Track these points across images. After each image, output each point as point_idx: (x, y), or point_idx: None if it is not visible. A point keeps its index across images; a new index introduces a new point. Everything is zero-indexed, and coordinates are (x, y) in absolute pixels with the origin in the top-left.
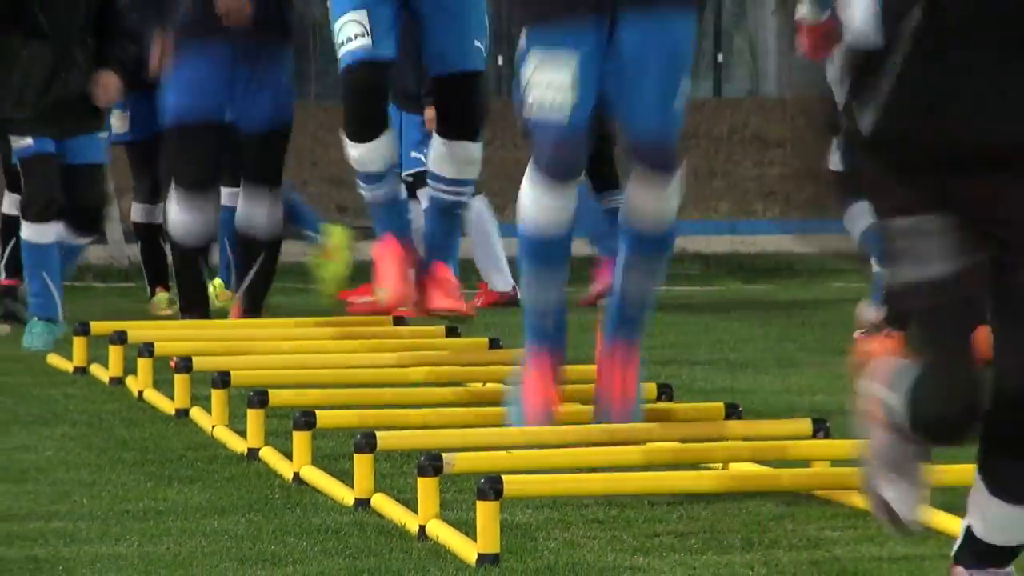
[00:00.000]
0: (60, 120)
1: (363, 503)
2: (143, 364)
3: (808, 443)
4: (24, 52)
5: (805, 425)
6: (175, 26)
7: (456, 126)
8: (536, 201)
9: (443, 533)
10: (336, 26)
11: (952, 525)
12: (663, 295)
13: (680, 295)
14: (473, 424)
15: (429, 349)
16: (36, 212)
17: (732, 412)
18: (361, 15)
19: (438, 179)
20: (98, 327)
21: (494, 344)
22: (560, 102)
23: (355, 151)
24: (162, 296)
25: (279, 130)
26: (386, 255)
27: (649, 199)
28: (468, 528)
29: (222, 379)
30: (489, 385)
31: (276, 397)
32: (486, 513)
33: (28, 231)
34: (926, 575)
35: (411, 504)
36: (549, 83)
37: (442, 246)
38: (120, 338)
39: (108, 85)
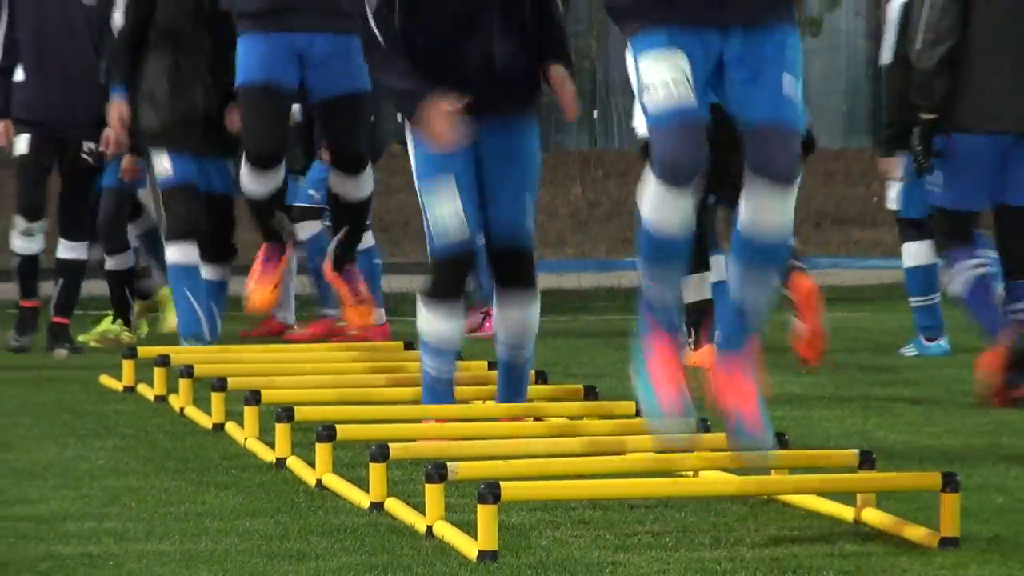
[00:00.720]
0: (188, 135)
1: (377, 506)
2: (184, 384)
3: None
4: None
5: None
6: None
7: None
8: (655, 204)
9: (448, 533)
10: (425, 188)
11: (896, 528)
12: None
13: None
14: (473, 437)
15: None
16: (179, 235)
17: (702, 427)
18: (451, 188)
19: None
20: (144, 351)
21: (492, 367)
22: (681, 92)
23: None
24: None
25: (360, 95)
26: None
27: (769, 209)
28: (470, 528)
29: (253, 397)
30: (489, 402)
31: (301, 413)
32: (486, 515)
33: (172, 253)
34: (871, 569)
35: (419, 507)
36: (665, 80)
37: None
38: (163, 361)
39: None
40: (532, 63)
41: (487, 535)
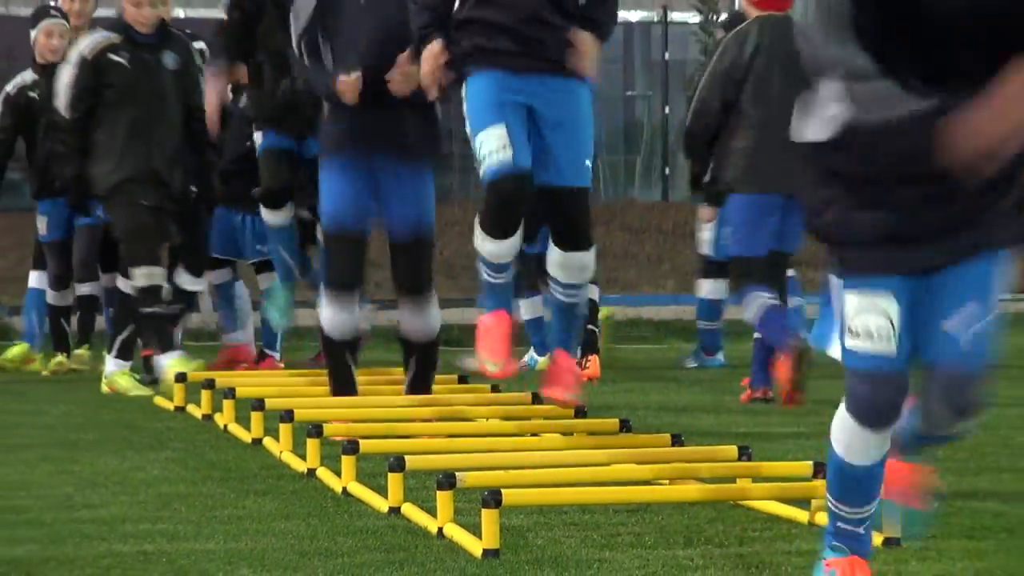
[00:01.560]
0: (288, 118)
1: (395, 510)
2: (227, 404)
3: (734, 464)
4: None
5: (732, 451)
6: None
7: (569, 239)
8: (849, 443)
9: (456, 533)
10: (477, 139)
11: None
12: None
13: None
14: (478, 450)
15: (442, 394)
16: (271, 199)
17: (676, 441)
18: (501, 129)
19: (556, 282)
20: (193, 376)
21: (536, 399)
22: (882, 345)
23: (491, 245)
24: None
25: (424, 239)
26: (497, 328)
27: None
28: (475, 529)
29: (288, 415)
30: (492, 421)
31: (329, 429)
32: (489, 518)
33: (266, 215)
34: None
35: (431, 511)
36: (869, 328)
37: (563, 338)
38: (209, 384)
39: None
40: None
41: (490, 535)
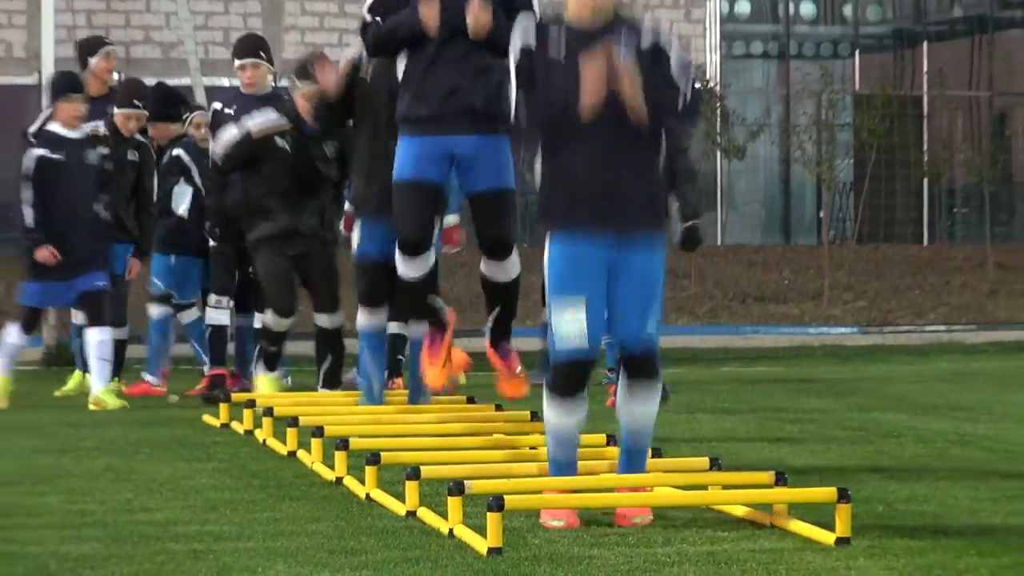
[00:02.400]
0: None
1: (411, 514)
2: (266, 421)
3: (706, 474)
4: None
5: (704, 462)
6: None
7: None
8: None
9: (464, 534)
10: (555, 305)
11: (803, 530)
12: None
13: None
14: (484, 461)
15: (451, 412)
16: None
17: (656, 454)
18: (580, 307)
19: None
20: (236, 397)
21: (535, 417)
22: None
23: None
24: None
25: (506, 194)
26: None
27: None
28: (481, 530)
29: (319, 431)
30: (497, 436)
31: (355, 443)
32: (493, 520)
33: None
34: (783, 561)
35: (443, 514)
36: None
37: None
38: (251, 404)
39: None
40: (662, 193)
41: (494, 535)
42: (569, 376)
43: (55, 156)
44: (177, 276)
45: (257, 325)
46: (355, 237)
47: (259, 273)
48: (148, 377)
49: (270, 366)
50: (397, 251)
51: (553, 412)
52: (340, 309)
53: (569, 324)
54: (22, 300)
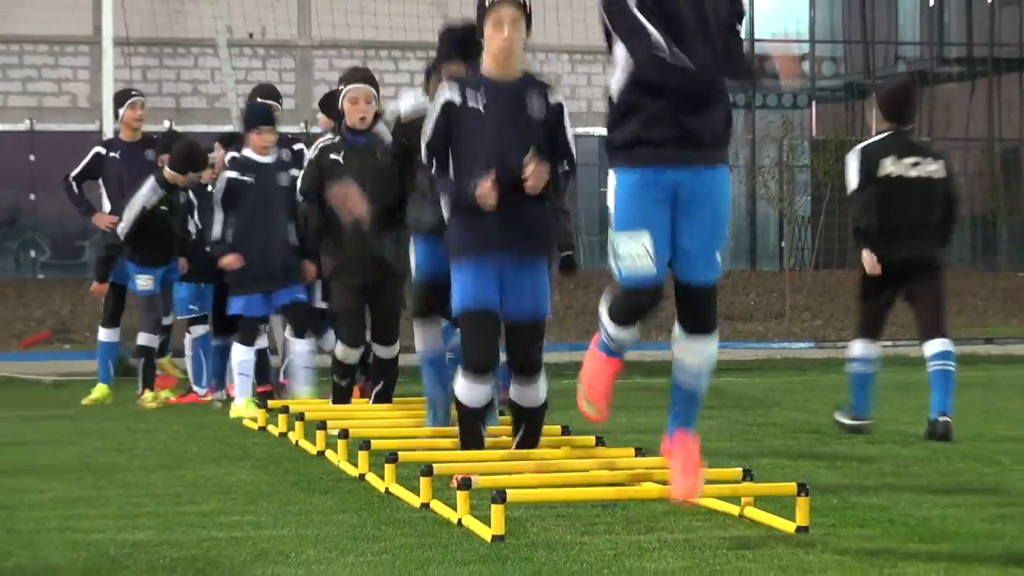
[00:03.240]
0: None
1: (425, 505)
2: (298, 425)
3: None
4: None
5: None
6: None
7: (697, 326)
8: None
9: (471, 523)
10: (618, 237)
11: (767, 520)
12: None
13: None
14: (489, 460)
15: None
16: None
17: (639, 453)
18: (645, 237)
19: (680, 367)
20: (273, 403)
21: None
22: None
23: (615, 330)
24: (148, 395)
25: (539, 324)
26: (604, 371)
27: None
28: (486, 520)
29: (344, 434)
30: (503, 437)
31: (376, 444)
32: (497, 511)
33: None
34: (750, 546)
35: (453, 506)
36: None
37: (685, 419)
38: (284, 410)
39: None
40: (725, 119)
41: (497, 524)
42: (642, 300)
43: (245, 178)
44: (204, 300)
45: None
46: (413, 259)
47: (334, 306)
48: (196, 388)
49: (342, 400)
50: (461, 376)
51: (618, 331)
52: (398, 341)
53: (634, 247)
54: (231, 311)
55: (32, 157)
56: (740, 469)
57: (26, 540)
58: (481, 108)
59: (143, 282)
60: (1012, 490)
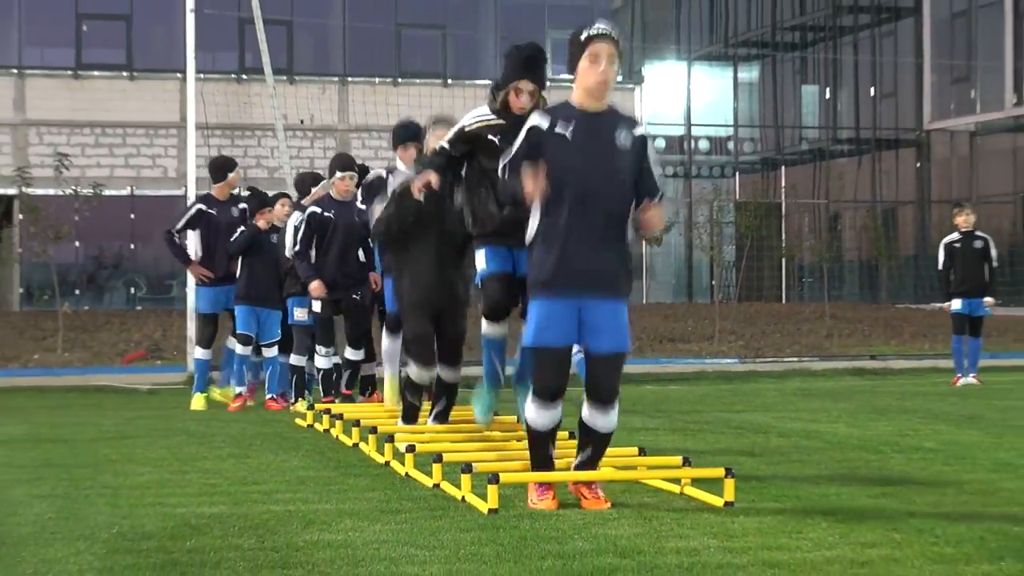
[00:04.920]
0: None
1: (436, 486)
2: (338, 424)
3: (635, 458)
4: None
5: (634, 450)
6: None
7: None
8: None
9: (472, 499)
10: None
11: (701, 496)
12: None
13: None
14: (487, 449)
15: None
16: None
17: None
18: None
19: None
20: (319, 406)
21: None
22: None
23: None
24: (301, 404)
25: (620, 358)
26: None
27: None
28: (484, 497)
29: (373, 430)
30: (494, 432)
31: (399, 438)
32: (492, 490)
33: (486, 327)
34: (688, 516)
35: (458, 486)
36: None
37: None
38: (327, 412)
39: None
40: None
41: (492, 500)
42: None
43: (327, 214)
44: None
45: (293, 361)
46: (479, 262)
47: (407, 333)
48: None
49: (410, 420)
50: (531, 402)
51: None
52: (460, 366)
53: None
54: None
55: (132, 216)
56: (680, 457)
57: (127, 513)
58: (568, 135)
59: (300, 314)
60: (891, 473)
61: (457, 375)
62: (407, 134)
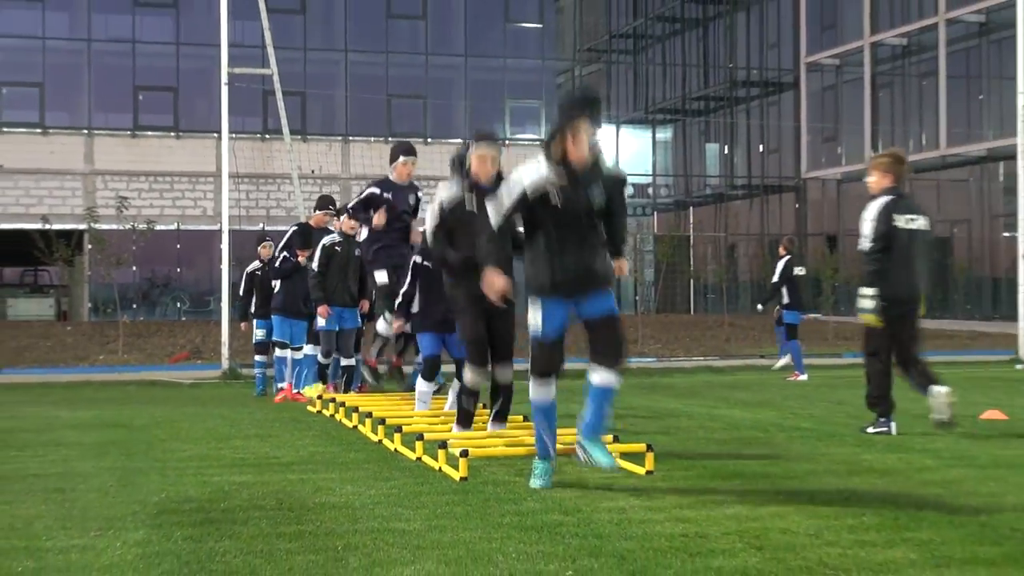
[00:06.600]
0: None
1: (419, 459)
2: (341, 411)
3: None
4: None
5: (573, 430)
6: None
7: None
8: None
9: (448, 470)
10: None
11: (628, 466)
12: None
13: None
14: (458, 436)
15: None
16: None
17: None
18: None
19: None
20: (326, 396)
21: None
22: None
23: None
24: (318, 386)
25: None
26: None
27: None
28: (456, 468)
29: (368, 415)
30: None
31: (389, 420)
32: (463, 463)
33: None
34: (617, 481)
35: (436, 459)
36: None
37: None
38: (332, 401)
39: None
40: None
41: (463, 470)
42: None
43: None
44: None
45: (310, 353)
46: (531, 318)
47: (463, 334)
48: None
49: (465, 425)
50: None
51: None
52: (512, 364)
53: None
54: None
55: (178, 246)
56: (611, 435)
57: (173, 481)
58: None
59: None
60: (776, 448)
61: (509, 377)
62: (404, 149)
